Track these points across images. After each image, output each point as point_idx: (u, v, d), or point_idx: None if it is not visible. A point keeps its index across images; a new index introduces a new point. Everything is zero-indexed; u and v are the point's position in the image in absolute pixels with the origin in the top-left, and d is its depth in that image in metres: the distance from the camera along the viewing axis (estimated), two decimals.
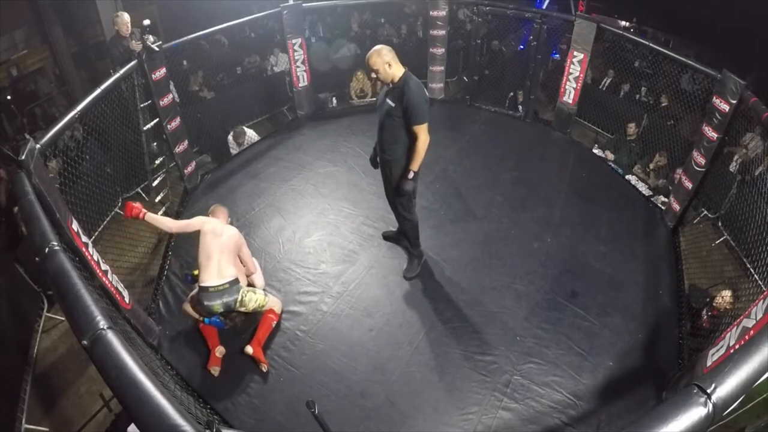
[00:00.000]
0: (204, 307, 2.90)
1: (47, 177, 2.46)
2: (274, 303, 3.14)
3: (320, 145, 5.32)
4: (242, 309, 2.95)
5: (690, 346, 3.13)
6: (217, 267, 2.87)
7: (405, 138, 2.95)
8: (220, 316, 3.06)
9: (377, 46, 2.86)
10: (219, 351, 2.98)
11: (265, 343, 3.06)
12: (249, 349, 2.91)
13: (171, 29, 7.99)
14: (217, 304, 2.85)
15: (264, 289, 3.25)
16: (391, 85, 2.89)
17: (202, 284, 2.84)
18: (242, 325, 3.19)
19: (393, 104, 2.88)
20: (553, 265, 3.72)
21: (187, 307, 3.10)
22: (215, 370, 2.91)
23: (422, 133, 2.87)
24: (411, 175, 3.01)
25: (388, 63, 2.81)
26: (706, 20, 7.88)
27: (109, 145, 4.52)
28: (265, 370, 2.91)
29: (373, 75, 2.88)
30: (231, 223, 3.27)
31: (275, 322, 3.12)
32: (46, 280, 2.79)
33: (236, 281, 2.90)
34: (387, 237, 3.91)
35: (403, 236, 3.55)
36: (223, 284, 2.83)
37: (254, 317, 3.15)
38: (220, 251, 2.91)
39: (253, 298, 2.97)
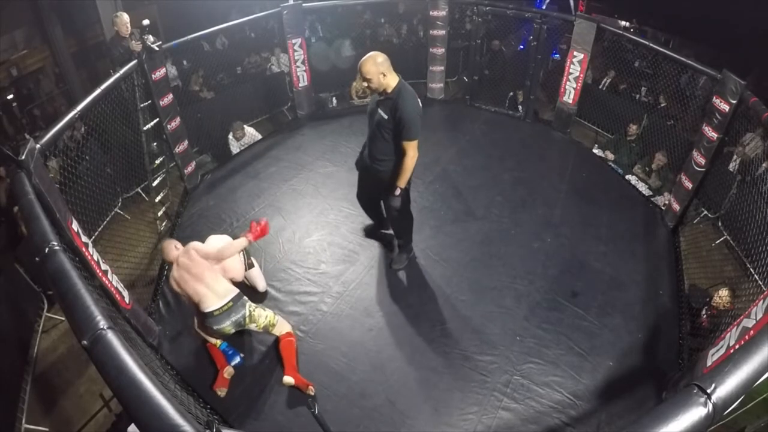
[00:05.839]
0: (215, 332, 2.79)
1: (47, 177, 2.46)
2: (283, 323, 2.96)
3: (320, 145, 5.32)
4: (253, 326, 2.80)
5: (690, 346, 3.13)
6: (210, 291, 2.70)
7: (395, 152, 2.88)
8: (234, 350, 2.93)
9: (372, 53, 2.69)
10: (228, 372, 2.86)
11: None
12: (290, 380, 2.74)
13: (171, 29, 7.99)
14: (227, 326, 2.72)
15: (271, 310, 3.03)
16: (383, 96, 2.78)
17: (206, 310, 2.68)
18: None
19: (386, 116, 2.77)
20: (553, 265, 3.72)
21: (200, 330, 2.97)
22: (222, 392, 2.80)
23: (411, 149, 2.80)
24: (398, 192, 2.98)
25: (382, 73, 2.66)
26: (706, 20, 7.87)
27: (109, 145, 4.52)
28: (313, 393, 2.74)
29: (365, 83, 2.72)
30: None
31: (295, 342, 2.97)
32: (46, 280, 2.77)
33: (239, 296, 2.77)
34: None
35: (396, 235, 3.54)
36: (226, 304, 2.69)
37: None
38: (201, 276, 2.73)
39: (263, 314, 2.82)
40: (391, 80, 2.73)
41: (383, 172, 3.02)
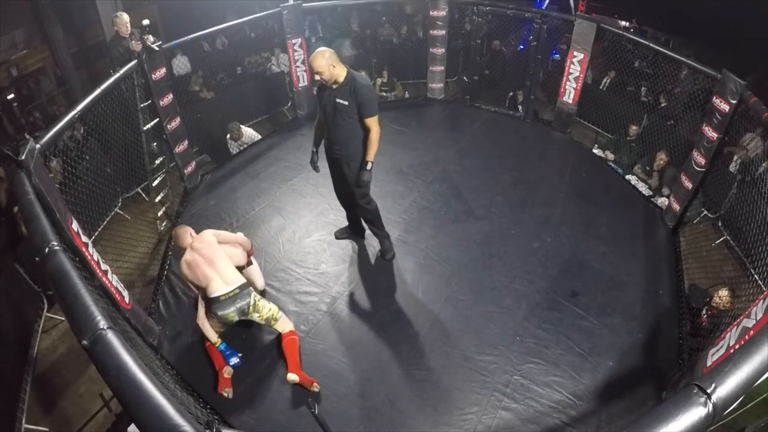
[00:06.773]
0: (219, 318, 2.83)
1: (47, 177, 2.46)
2: (286, 320, 3.02)
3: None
4: (256, 315, 2.85)
5: (690, 346, 3.13)
6: (219, 276, 2.79)
7: (361, 132, 3.08)
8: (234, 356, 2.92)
9: (319, 49, 2.92)
10: (227, 372, 2.87)
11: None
12: (294, 378, 2.77)
13: (171, 29, 7.99)
14: (231, 312, 2.78)
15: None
16: (335, 86, 2.97)
17: (212, 295, 2.75)
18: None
19: (346, 102, 2.96)
20: (553, 265, 3.72)
21: (203, 323, 2.96)
22: (228, 393, 2.80)
23: (375, 125, 3.01)
24: (369, 166, 3.13)
25: (332, 65, 2.88)
26: (706, 20, 7.87)
27: (109, 145, 4.52)
28: (318, 390, 2.78)
29: (317, 77, 2.94)
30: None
31: (298, 341, 2.98)
32: (46, 280, 2.77)
33: (245, 285, 2.84)
34: (340, 236, 3.93)
35: (369, 224, 3.60)
36: (233, 290, 2.77)
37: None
38: (212, 260, 2.82)
39: (267, 306, 2.90)
40: (341, 70, 2.95)
41: (349, 155, 3.19)
